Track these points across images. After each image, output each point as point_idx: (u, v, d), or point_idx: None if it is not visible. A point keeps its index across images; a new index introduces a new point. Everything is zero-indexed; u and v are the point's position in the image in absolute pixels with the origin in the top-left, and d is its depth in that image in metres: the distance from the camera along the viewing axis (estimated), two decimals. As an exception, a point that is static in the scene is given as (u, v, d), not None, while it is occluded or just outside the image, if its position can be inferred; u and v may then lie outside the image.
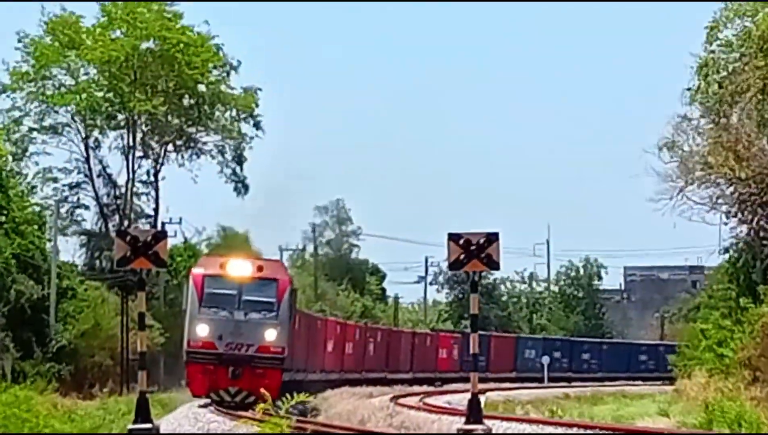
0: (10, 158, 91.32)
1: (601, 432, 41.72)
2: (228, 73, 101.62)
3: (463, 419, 34.11)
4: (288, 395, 21.87)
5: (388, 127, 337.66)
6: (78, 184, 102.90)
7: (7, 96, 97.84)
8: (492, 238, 35.04)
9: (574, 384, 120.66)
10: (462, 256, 34.93)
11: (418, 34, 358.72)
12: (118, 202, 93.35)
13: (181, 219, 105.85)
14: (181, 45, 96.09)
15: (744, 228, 63.63)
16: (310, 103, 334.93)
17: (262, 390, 28.86)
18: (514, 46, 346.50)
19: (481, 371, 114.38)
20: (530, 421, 44.54)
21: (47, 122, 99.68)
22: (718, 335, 62.92)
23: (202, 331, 37.56)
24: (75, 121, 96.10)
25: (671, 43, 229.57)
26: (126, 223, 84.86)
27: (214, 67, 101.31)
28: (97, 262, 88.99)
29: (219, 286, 37.55)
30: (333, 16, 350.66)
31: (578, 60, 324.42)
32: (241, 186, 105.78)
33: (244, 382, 36.54)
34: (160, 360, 70.84)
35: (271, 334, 37.54)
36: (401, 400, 69.66)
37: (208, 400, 65.12)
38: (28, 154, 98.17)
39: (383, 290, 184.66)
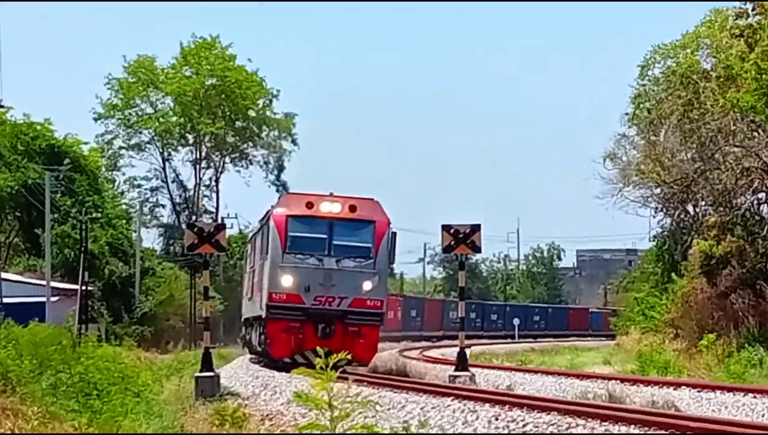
0: (105, 169, 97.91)
1: (559, 376, 39.76)
2: (270, 101, 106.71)
3: (453, 367, 35.82)
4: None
5: (398, 131, 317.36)
6: (156, 188, 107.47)
7: (102, 122, 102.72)
8: (475, 228, 37.33)
9: (539, 340, 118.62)
10: (452, 242, 36.38)
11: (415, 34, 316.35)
12: (188, 201, 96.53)
13: (236, 214, 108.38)
14: (236, 80, 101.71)
15: (668, 220, 66.78)
16: (319, 103, 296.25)
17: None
18: (477, 67, 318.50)
19: (417, 329, 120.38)
20: (504, 369, 44.46)
21: (132, 142, 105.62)
22: (649, 302, 64.51)
23: (286, 281, 28.74)
24: (154, 141, 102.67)
25: (614, 75, 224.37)
26: (194, 218, 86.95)
27: (260, 97, 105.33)
28: (171, 247, 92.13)
29: (306, 228, 29.23)
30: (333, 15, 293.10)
31: (546, 87, 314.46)
32: (282, 188, 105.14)
33: (334, 342, 27.39)
34: (220, 323, 72.00)
35: (367, 285, 28.75)
36: (405, 353, 71.47)
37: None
38: (118, 166, 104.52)
39: (392, 269, 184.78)
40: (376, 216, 31.30)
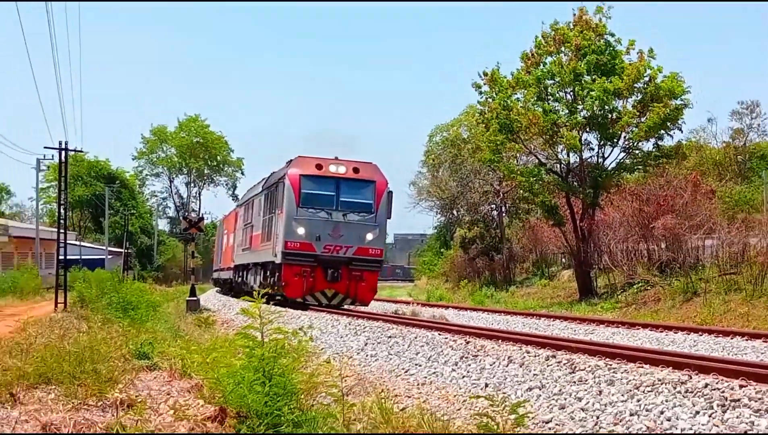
0: (138, 186, 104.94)
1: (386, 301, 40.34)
2: (228, 151, 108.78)
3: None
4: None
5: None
6: (166, 197, 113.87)
7: (137, 160, 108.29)
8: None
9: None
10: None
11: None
12: (183, 205, 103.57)
13: (210, 212, 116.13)
14: (210, 139, 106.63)
15: (443, 218, 68.18)
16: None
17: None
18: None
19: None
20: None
21: (153, 172, 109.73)
22: (432, 262, 65.56)
23: (300, 232, 24.20)
24: (165, 171, 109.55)
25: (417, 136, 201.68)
26: (186, 213, 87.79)
27: (223, 148, 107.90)
28: (174, 229, 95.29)
29: (316, 186, 24.53)
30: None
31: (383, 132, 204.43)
32: (235, 199, 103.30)
33: (341, 285, 24.28)
34: (200, 271, 71.13)
35: (369, 236, 24.40)
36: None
37: (218, 287, 54.23)
38: (145, 184, 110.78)
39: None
40: (377, 177, 25.02)
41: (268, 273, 27.41)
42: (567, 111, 35.38)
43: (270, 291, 27.73)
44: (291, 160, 26.13)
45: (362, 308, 26.98)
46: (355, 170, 25.23)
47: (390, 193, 26.59)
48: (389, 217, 26.72)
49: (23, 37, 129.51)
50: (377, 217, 24.95)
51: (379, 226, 25.08)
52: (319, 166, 24.88)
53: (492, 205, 57.50)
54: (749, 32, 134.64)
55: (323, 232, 23.97)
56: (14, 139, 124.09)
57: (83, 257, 61.92)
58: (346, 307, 26.03)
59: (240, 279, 35.98)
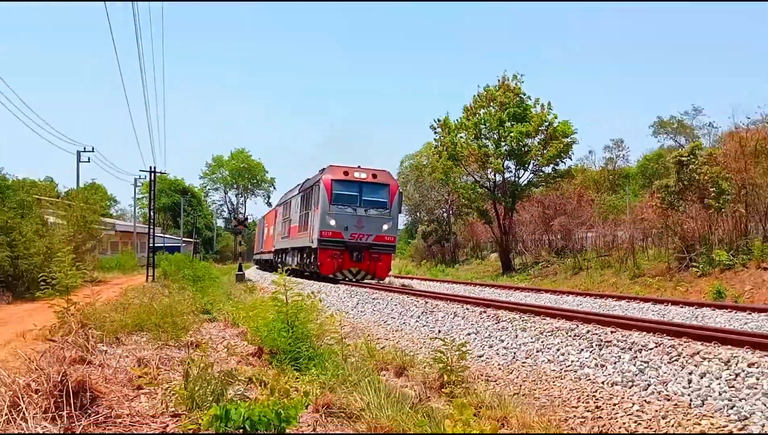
0: (204, 196, 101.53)
1: None
2: (265, 172, 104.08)
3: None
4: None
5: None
6: (222, 204, 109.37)
7: (202, 178, 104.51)
8: None
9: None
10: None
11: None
12: (235, 210, 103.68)
13: (251, 214, 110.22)
14: (251, 165, 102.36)
15: (410, 218, 69.61)
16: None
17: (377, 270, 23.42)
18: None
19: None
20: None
21: (214, 187, 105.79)
22: (402, 248, 64.25)
23: (332, 223, 22.73)
24: (221, 186, 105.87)
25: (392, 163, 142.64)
26: (236, 215, 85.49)
27: (261, 171, 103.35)
28: (228, 225, 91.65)
29: (344, 188, 22.87)
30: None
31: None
32: (270, 206, 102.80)
33: (364, 264, 22.84)
34: (244, 254, 69.57)
35: (385, 227, 22.89)
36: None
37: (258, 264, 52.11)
38: (208, 195, 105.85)
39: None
40: (390, 181, 23.38)
41: (305, 255, 25.88)
42: (494, 146, 35.39)
43: (296, 267, 26.09)
44: (324, 169, 24.31)
45: (369, 281, 24.24)
46: (374, 176, 23.63)
47: (400, 193, 25.07)
48: (400, 212, 25.21)
49: (124, 91, 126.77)
50: (391, 212, 23.46)
51: (392, 219, 23.56)
52: (346, 173, 23.38)
53: (443, 210, 56.99)
54: (625, 84, 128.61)
55: (350, 224, 22.69)
56: (118, 162, 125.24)
57: (166, 245, 61.49)
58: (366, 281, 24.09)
59: (279, 259, 33.87)
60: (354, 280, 23.74)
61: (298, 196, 29.49)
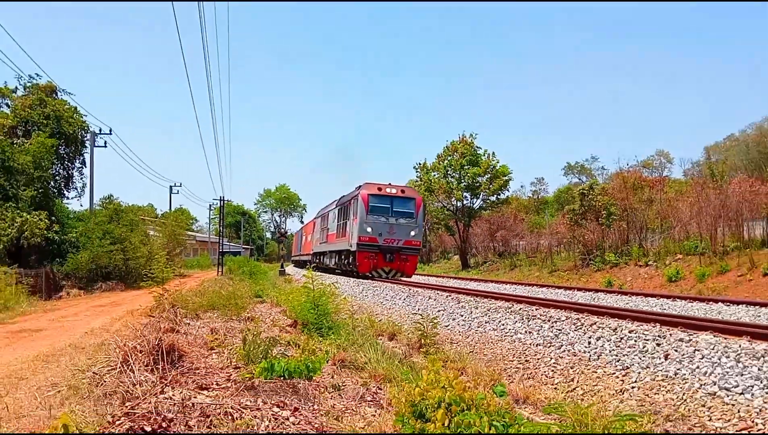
0: (257, 217, 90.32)
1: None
2: (299, 200, 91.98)
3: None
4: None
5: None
6: (269, 222, 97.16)
7: (255, 204, 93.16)
8: None
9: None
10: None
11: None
12: (278, 225, 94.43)
13: (289, 229, 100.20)
14: (289, 195, 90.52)
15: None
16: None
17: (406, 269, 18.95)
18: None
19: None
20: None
21: (264, 210, 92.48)
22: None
23: (369, 230, 18.19)
24: (269, 210, 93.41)
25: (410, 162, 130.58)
26: (280, 229, 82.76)
27: (296, 199, 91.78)
28: (273, 236, 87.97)
29: (378, 201, 18.33)
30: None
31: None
32: (302, 221, 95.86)
33: (395, 264, 18.36)
34: (285, 256, 68.47)
35: (412, 233, 18.24)
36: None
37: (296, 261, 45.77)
38: (260, 216, 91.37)
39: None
40: (416, 195, 19.44)
41: (343, 256, 22.11)
42: (456, 182, 35.26)
43: (333, 266, 22.95)
44: (360, 186, 20.79)
45: (403, 279, 20.20)
46: (402, 191, 20.19)
47: (424, 205, 21.96)
48: (424, 221, 22.09)
49: (202, 143, 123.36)
50: (417, 220, 19.73)
51: (418, 226, 19.89)
52: (379, 189, 19.98)
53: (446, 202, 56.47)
54: (542, 129, 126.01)
55: (383, 231, 19.18)
56: (198, 192, 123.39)
57: (230, 250, 59.87)
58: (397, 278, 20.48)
59: (318, 260, 29.10)
60: (386, 277, 19.85)
61: (335, 209, 25.90)
